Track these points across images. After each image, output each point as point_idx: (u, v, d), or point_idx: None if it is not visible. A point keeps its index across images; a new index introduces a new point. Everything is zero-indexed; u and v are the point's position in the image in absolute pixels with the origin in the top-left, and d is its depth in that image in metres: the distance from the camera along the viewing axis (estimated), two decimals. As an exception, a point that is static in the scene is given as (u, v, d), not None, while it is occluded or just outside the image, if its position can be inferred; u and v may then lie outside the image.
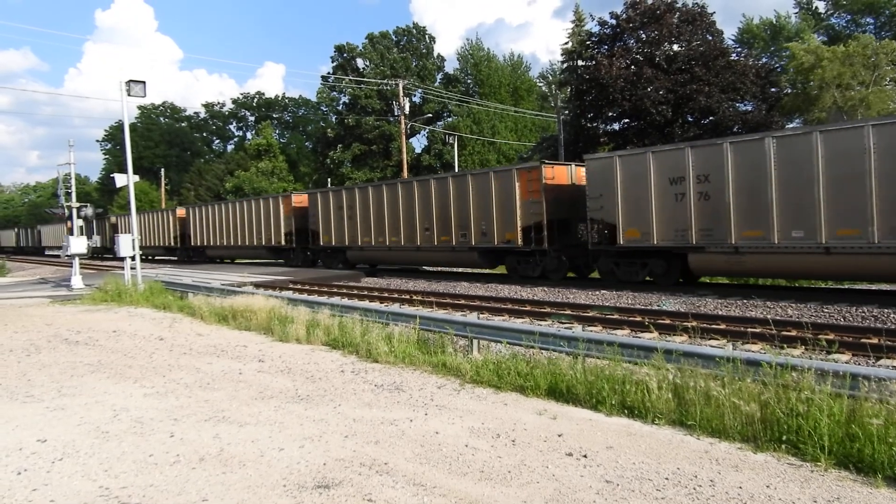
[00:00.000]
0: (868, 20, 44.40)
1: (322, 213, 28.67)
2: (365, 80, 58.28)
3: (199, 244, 39.69)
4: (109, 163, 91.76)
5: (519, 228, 20.03)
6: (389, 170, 57.18)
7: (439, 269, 26.69)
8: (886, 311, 12.27)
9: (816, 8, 47.89)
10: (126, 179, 20.94)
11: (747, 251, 14.96)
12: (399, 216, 24.50)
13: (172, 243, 42.62)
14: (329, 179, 57.35)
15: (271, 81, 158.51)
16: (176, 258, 43.41)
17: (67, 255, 23.82)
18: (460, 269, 25.71)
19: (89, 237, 24.87)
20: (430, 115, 58.49)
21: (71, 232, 23.47)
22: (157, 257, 46.66)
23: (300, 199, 31.33)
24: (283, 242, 31.62)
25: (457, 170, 45.27)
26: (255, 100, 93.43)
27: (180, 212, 42.73)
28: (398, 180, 27.02)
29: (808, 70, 30.78)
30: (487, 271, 24.47)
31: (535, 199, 19.60)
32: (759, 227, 14.66)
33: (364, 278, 24.77)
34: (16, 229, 77.01)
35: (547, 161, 20.59)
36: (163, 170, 71.21)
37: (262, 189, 62.42)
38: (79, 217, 24.10)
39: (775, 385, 5.77)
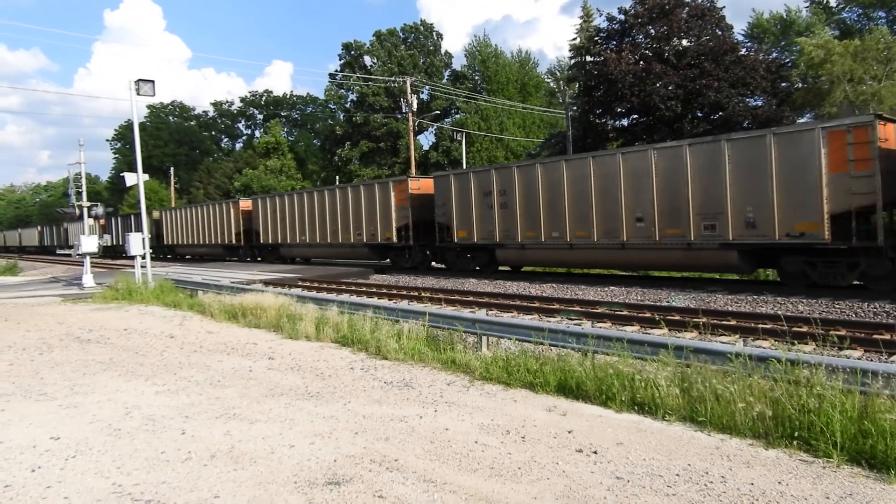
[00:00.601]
0: (880, 14, 43.92)
1: (457, 201, 22.77)
2: (372, 77, 58.39)
3: (270, 242, 34.28)
4: (119, 162, 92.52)
5: (825, 215, 14.05)
6: (397, 167, 57.27)
7: (664, 274, 20.09)
8: (899, 306, 12.17)
9: (827, 2, 47.40)
10: (136, 178, 21.09)
11: None
12: (591, 203, 18.44)
13: (234, 241, 37.23)
14: (337, 177, 57.46)
15: (279, 80, 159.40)
16: (237, 259, 37.81)
17: (78, 254, 24.03)
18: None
19: (101, 235, 25.06)
20: (438, 111, 58.49)
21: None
22: (206, 256, 41.33)
23: (419, 185, 25.91)
24: (393, 239, 25.89)
25: (464, 167, 44.94)
26: (264, 98, 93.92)
27: (244, 204, 37.22)
28: (588, 154, 19.91)
29: (819, 65, 30.51)
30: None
31: (861, 171, 13.53)
32: None
33: (373, 275, 24.83)
34: (39, 227, 72.61)
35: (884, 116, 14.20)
36: (172, 168, 71.56)
37: (271, 187, 62.55)
38: (90, 216, 24.33)
39: (786, 381, 5.75)
